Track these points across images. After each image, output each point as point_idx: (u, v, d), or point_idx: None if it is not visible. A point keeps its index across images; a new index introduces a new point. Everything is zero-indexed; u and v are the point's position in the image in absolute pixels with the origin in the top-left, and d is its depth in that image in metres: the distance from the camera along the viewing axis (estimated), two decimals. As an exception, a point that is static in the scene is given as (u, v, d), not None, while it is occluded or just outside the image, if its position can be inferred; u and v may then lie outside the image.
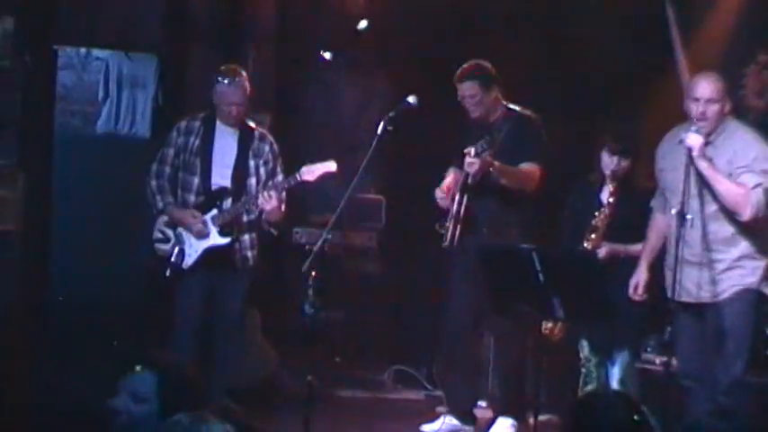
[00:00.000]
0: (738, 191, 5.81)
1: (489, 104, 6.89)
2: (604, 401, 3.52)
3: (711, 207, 5.90)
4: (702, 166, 5.81)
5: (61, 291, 7.47)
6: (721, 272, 5.90)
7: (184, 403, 3.61)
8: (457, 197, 6.85)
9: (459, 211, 6.83)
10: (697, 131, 5.83)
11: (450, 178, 7.04)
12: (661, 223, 6.18)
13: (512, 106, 6.94)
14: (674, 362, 6.09)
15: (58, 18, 7.50)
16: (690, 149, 5.79)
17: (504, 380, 7.14)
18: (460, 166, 6.94)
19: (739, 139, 5.95)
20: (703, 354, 5.96)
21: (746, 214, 5.82)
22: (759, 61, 7.67)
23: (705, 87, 5.93)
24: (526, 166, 6.77)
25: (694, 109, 5.92)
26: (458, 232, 6.81)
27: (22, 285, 7.04)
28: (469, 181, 6.75)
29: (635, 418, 3.26)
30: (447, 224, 6.89)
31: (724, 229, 5.91)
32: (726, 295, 5.91)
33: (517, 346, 6.80)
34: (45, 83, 7.39)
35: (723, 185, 5.82)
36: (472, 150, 6.59)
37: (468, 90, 6.86)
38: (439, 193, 6.96)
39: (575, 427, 3.49)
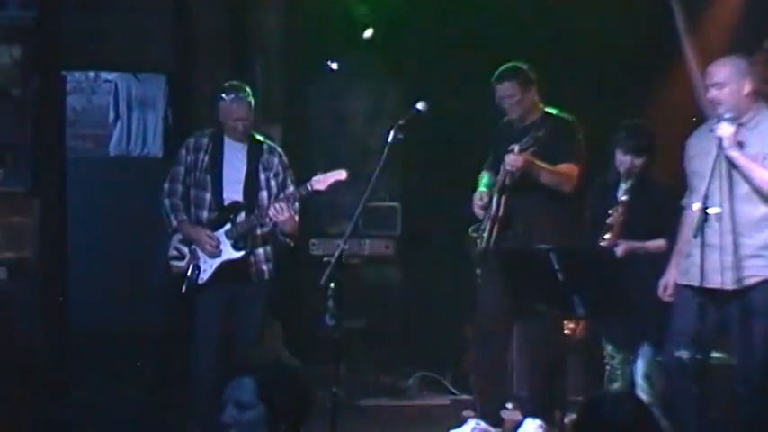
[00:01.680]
0: None
1: (527, 105, 6.89)
2: (611, 401, 3.51)
3: (742, 189, 5.80)
4: (734, 156, 5.75)
5: (81, 314, 7.48)
6: (745, 257, 5.82)
7: (289, 403, 3.58)
8: (495, 197, 6.84)
9: (497, 211, 6.82)
10: (728, 121, 5.78)
11: (485, 181, 7.01)
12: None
13: (549, 109, 6.93)
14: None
15: (64, 43, 7.52)
16: (720, 139, 5.74)
17: (531, 380, 7.12)
18: (493, 168, 6.93)
19: None
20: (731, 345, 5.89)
21: None
22: (766, 48, 7.64)
23: (714, 72, 5.92)
24: (564, 167, 6.78)
25: (707, 95, 5.92)
26: (495, 233, 6.80)
27: (42, 311, 7.06)
28: (508, 180, 6.75)
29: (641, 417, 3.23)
30: (483, 226, 6.88)
31: (754, 212, 5.83)
32: (747, 283, 5.83)
33: (542, 346, 6.78)
34: (55, 108, 7.42)
35: (758, 174, 5.76)
36: (516, 147, 6.60)
37: (507, 90, 6.86)
38: (477, 202, 6.94)
39: (582, 427, 3.49)
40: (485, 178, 7.05)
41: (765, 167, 5.79)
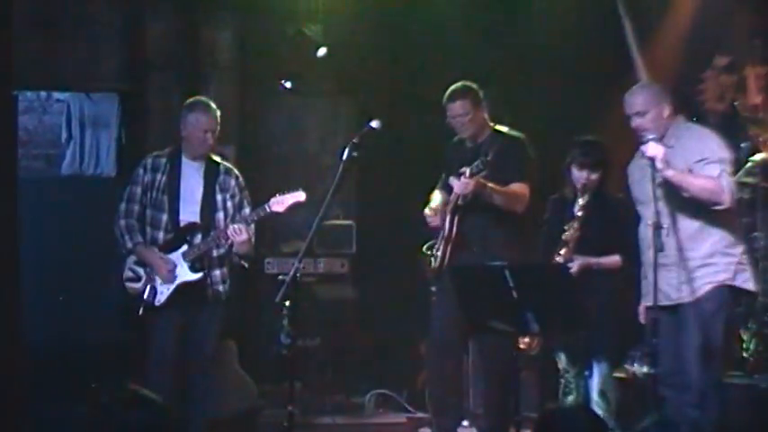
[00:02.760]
0: (711, 183, 5.82)
1: (479, 124, 6.93)
2: (566, 415, 3.52)
3: (680, 204, 5.89)
4: (669, 174, 5.82)
5: (33, 333, 7.42)
6: (694, 269, 5.90)
7: None
8: (447, 218, 6.88)
9: (450, 231, 6.86)
10: (654, 140, 5.87)
11: (435, 200, 7.05)
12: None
13: (498, 127, 6.98)
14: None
15: (16, 62, 7.47)
16: (652, 159, 5.82)
17: (486, 397, 7.14)
18: (446, 187, 6.97)
19: (690, 135, 6.01)
20: (683, 360, 5.96)
21: (726, 201, 5.82)
22: (716, 66, 7.73)
23: (632, 102, 6.04)
24: (516, 186, 6.82)
25: (632, 124, 6.01)
26: (448, 252, 6.84)
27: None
28: (460, 200, 6.78)
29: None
30: (437, 246, 6.92)
31: (690, 224, 5.92)
32: (700, 293, 5.90)
33: (497, 363, 6.80)
34: (6, 128, 7.34)
35: (696, 183, 5.83)
36: (467, 171, 6.62)
37: (459, 109, 6.90)
38: (429, 213, 6.97)
39: None
40: (438, 197, 7.07)
41: (697, 176, 5.86)
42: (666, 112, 5.99)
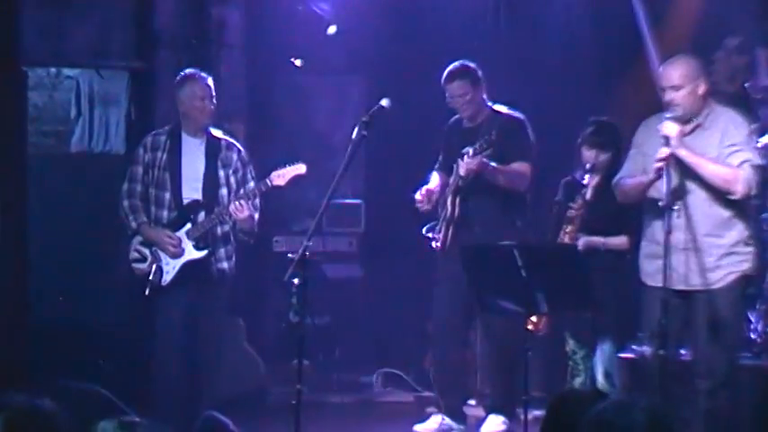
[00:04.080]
0: (725, 170, 5.75)
1: (478, 103, 6.92)
2: (578, 398, 3.51)
3: (702, 193, 5.82)
4: (682, 154, 5.74)
5: (42, 312, 7.44)
6: (718, 258, 5.83)
7: None
8: (449, 199, 6.89)
9: (453, 213, 6.86)
10: (672, 119, 5.79)
11: (433, 182, 7.05)
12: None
13: (497, 107, 6.97)
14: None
15: (25, 39, 7.46)
16: (667, 138, 5.75)
17: (494, 377, 7.16)
18: (445, 168, 6.96)
19: (727, 119, 5.89)
20: (693, 341, 5.92)
21: (739, 191, 5.75)
22: (727, 47, 7.70)
23: (669, 74, 5.88)
24: (517, 166, 6.81)
25: (664, 97, 5.90)
26: (450, 233, 6.84)
27: (1, 309, 7.00)
28: (461, 182, 6.78)
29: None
30: (439, 227, 6.92)
31: (719, 213, 5.84)
32: (722, 283, 5.84)
33: (505, 343, 6.81)
34: (16, 104, 7.35)
35: (708, 168, 5.76)
36: (470, 151, 6.62)
37: (458, 89, 6.89)
38: (418, 198, 6.97)
39: (550, 424, 3.50)
40: (436, 179, 7.07)
41: (714, 161, 5.78)
42: (702, 89, 5.85)
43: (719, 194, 5.81)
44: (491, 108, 6.97)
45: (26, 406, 3.55)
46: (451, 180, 6.90)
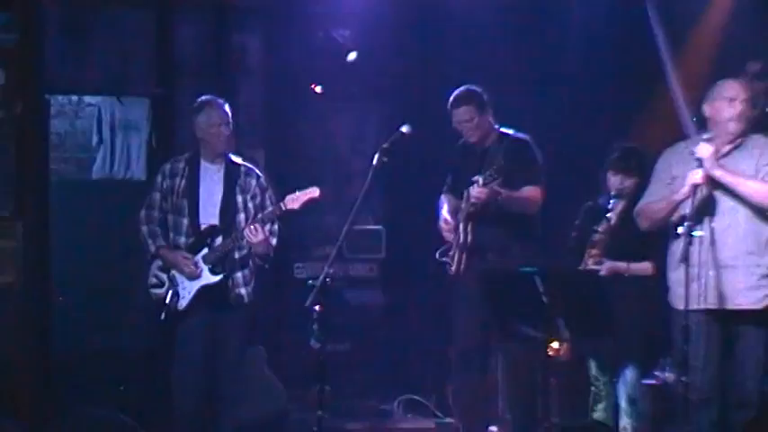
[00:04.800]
0: (764, 186, 5.76)
1: (485, 128, 6.93)
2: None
3: (745, 210, 5.79)
4: (717, 174, 5.74)
5: (64, 338, 7.46)
6: (761, 277, 5.81)
7: None
8: (461, 225, 6.88)
9: (465, 239, 6.86)
10: (707, 140, 5.78)
11: (447, 207, 7.05)
12: None
13: (504, 129, 6.97)
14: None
15: (48, 66, 7.52)
16: (700, 160, 5.74)
17: (515, 403, 7.12)
18: (454, 191, 6.96)
19: (763, 143, 5.89)
20: (737, 370, 5.86)
21: None
22: (748, 72, 7.68)
23: (739, 87, 5.89)
24: (528, 190, 6.81)
25: (728, 110, 5.82)
26: (464, 260, 6.84)
27: (24, 335, 7.03)
28: (472, 208, 6.77)
29: None
30: (451, 253, 6.91)
31: (762, 230, 5.81)
32: (765, 303, 5.80)
33: (526, 368, 6.78)
34: (38, 131, 7.40)
35: (747, 186, 5.76)
36: (480, 179, 6.62)
37: (464, 115, 6.90)
38: (445, 227, 6.98)
39: None
40: (445, 203, 7.07)
41: (752, 178, 5.76)
42: (749, 112, 5.86)
43: (761, 212, 5.79)
44: (498, 131, 6.98)
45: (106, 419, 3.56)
46: (463, 206, 6.89)
